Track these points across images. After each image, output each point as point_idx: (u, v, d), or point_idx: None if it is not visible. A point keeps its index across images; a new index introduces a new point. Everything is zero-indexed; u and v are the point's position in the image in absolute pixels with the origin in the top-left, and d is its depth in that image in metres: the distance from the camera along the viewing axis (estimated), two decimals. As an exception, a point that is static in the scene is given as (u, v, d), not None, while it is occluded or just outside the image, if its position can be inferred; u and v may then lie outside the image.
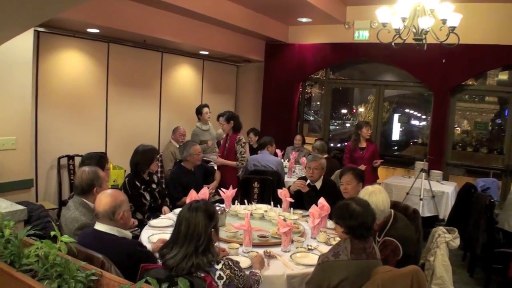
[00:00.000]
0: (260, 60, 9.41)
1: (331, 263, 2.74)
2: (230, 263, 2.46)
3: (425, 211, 6.32)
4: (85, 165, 3.78)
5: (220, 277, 2.39)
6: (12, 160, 4.58)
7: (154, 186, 4.74)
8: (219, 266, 2.41)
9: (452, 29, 4.85)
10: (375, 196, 3.37)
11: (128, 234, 2.94)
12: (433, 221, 6.37)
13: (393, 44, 5.26)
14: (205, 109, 7.50)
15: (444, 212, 6.41)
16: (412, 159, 8.05)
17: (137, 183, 4.54)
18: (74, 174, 6.03)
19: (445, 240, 3.66)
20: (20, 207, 3.73)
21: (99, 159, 4.13)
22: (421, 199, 6.21)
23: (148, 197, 4.58)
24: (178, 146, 6.97)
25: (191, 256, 2.33)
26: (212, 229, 2.47)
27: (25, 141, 4.76)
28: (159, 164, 6.21)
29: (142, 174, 4.62)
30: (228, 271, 2.42)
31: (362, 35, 8.31)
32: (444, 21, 4.82)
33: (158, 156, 4.81)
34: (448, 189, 6.58)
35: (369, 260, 2.73)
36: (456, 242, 3.69)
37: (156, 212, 4.49)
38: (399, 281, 2.55)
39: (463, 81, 7.66)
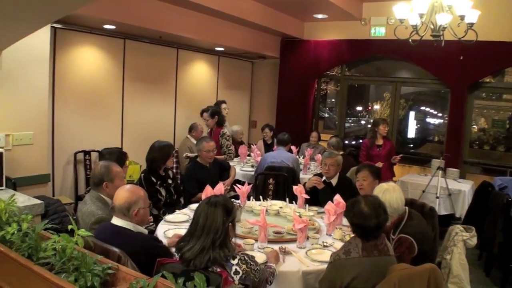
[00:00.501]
0: (275, 57, 9.39)
1: (342, 261, 2.72)
2: (246, 258, 2.47)
3: (442, 210, 6.26)
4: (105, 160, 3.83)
5: (236, 272, 2.40)
6: (29, 155, 4.62)
7: (169, 181, 4.76)
8: (235, 261, 2.42)
9: (470, 25, 4.79)
10: (389, 194, 3.35)
11: (143, 230, 2.95)
12: (449, 220, 6.30)
13: (410, 40, 5.21)
14: (223, 105, 7.57)
15: (461, 210, 6.33)
16: (429, 157, 7.98)
17: (153, 178, 4.56)
18: (90, 169, 6.10)
19: (462, 238, 3.63)
20: (37, 201, 3.76)
21: (120, 156, 4.19)
22: (437, 197, 6.14)
23: (163, 193, 4.60)
24: (195, 142, 7.06)
25: (208, 249, 2.34)
26: (230, 224, 2.48)
27: (42, 136, 4.80)
28: (175, 160, 6.24)
29: (158, 170, 4.64)
30: (244, 266, 2.42)
31: (379, 32, 8.25)
32: (462, 17, 4.77)
33: (174, 152, 4.82)
34: (465, 188, 6.50)
35: (381, 257, 2.71)
36: (474, 241, 3.65)
37: (171, 208, 4.51)
38: (416, 279, 2.52)
39: (480, 78, 7.57)
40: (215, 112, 6.21)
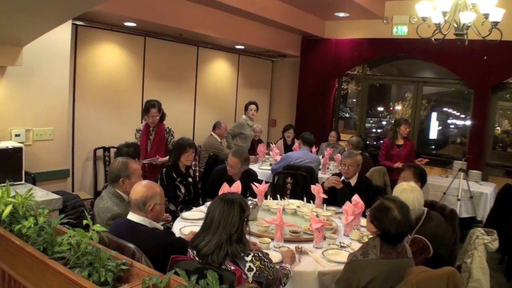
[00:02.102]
0: (296, 55, 9.35)
1: (360, 262, 2.68)
2: (260, 255, 2.47)
3: (463, 212, 6.16)
4: (123, 153, 3.86)
5: (250, 269, 2.39)
6: (49, 151, 4.66)
7: (190, 179, 4.79)
8: (249, 258, 2.41)
9: (495, 24, 4.70)
10: (406, 194, 3.30)
11: (159, 226, 2.95)
12: (470, 223, 6.19)
13: (433, 39, 5.12)
14: (251, 106, 7.49)
15: (483, 213, 6.23)
16: (450, 159, 7.86)
17: (174, 174, 4.63)
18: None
19: (483, 242, 3.56)
20: (56, 196, 3.79)
21: (137, 148, 4.27)
22: (458, 200, 6.04)
23: (183, 190, 4.65)
24: (220, 140, 7.24)
25: (226, 244, 2.36)
26: (245, 219, 2.49)
27: (62, 132, 4.84)
28: (195, 157, 6.23)
29: (177, 166, 4.68)
30: (258, 263, 2.42)
31: (401, 30, 8.15)
32: (486, 16, 4.68)
33: (191, 150, 4.77)
34: (487, 190, 6.39)
35: (399, 259, 2.67)
36: (495, 245, 3.58)
37: (188, 205, 4.51)
38: (434, 283, 2.47)
39: (504, 79, 7.40)
40: (161, 106, 5.77)
